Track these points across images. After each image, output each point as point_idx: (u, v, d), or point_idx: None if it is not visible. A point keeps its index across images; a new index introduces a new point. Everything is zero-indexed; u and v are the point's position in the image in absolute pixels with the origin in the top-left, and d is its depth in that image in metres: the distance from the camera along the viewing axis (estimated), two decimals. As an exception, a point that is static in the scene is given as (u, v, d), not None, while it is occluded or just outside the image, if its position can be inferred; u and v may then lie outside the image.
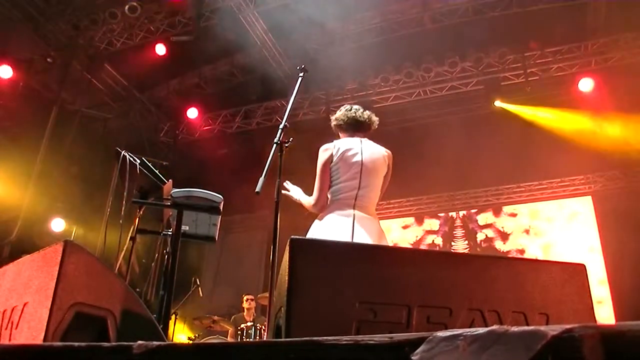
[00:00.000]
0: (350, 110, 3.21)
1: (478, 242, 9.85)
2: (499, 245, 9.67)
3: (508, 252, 9.47)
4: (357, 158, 2.98)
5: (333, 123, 3.25)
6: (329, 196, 3.01)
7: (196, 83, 9.57)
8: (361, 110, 3.21)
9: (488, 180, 9.41)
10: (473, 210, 10.11)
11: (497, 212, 9.94)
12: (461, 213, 10.20)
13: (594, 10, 7.72)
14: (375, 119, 3.24)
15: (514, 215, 9.81)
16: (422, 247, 9.96)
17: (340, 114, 3.23)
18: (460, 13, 7.71)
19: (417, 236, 10.27)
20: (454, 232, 10.12)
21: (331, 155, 2.99)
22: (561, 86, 8.37)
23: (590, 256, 8.71)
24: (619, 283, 8.22)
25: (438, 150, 8.30)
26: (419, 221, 10.38)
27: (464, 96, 8.82)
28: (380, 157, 3.06)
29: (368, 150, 3.04)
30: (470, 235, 9.96)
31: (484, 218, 9.98)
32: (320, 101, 9.26)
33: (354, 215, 2.86)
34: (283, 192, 3.13)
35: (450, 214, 10.23)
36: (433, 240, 10.12)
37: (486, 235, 9.83)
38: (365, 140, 3.11)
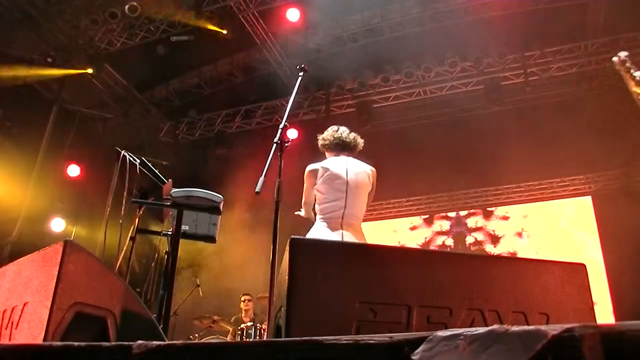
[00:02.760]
0: (337, 131, 3.28)
1: (467, 245, 9.74)
2: (489, 248, 9.60)
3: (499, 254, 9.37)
4: (342, 179, 3.05)
5: (320, 142, 3.33)
6: (317, 212, 3.11)
7: (196, 83, 9.57)
8: (347, 131, 3.30)
9: (488, 180, 9.39)
10: (463, 213, 10.00)
11: (487, 216, 9.81)
12: (452, 214, 10.12)
13: (594, 10, 7.71)
14: (360, 140, 3.32)
15: (505, 218, 9.72)
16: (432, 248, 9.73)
17: (327, 134, 3.31)
18: (460, 13, 7.70)
19: (426, 237, 10.08)
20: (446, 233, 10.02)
21: (316, 178, 3.08)
22: (561, 86, 8.36)
23: (587, 256, 8.69)
24: (618, 283, 8.20)
25: (437, 150, 8.28)
26: (428, 222, 10.17)
27: (464, 96, 8.81)
28: (365, 176, 3.14)
29: (353, 170, 3.11)
30: (459, 238, 9.88)
31: (474, 221, 9.86)
32: (320, 101, 9.26)
33: (342, 234, 2.97)
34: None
35: (449, 214, 10.16)
36: (443, 242, 9.93)
37: (475, 238, 9.74)
38: (351, 160, 3.19)
